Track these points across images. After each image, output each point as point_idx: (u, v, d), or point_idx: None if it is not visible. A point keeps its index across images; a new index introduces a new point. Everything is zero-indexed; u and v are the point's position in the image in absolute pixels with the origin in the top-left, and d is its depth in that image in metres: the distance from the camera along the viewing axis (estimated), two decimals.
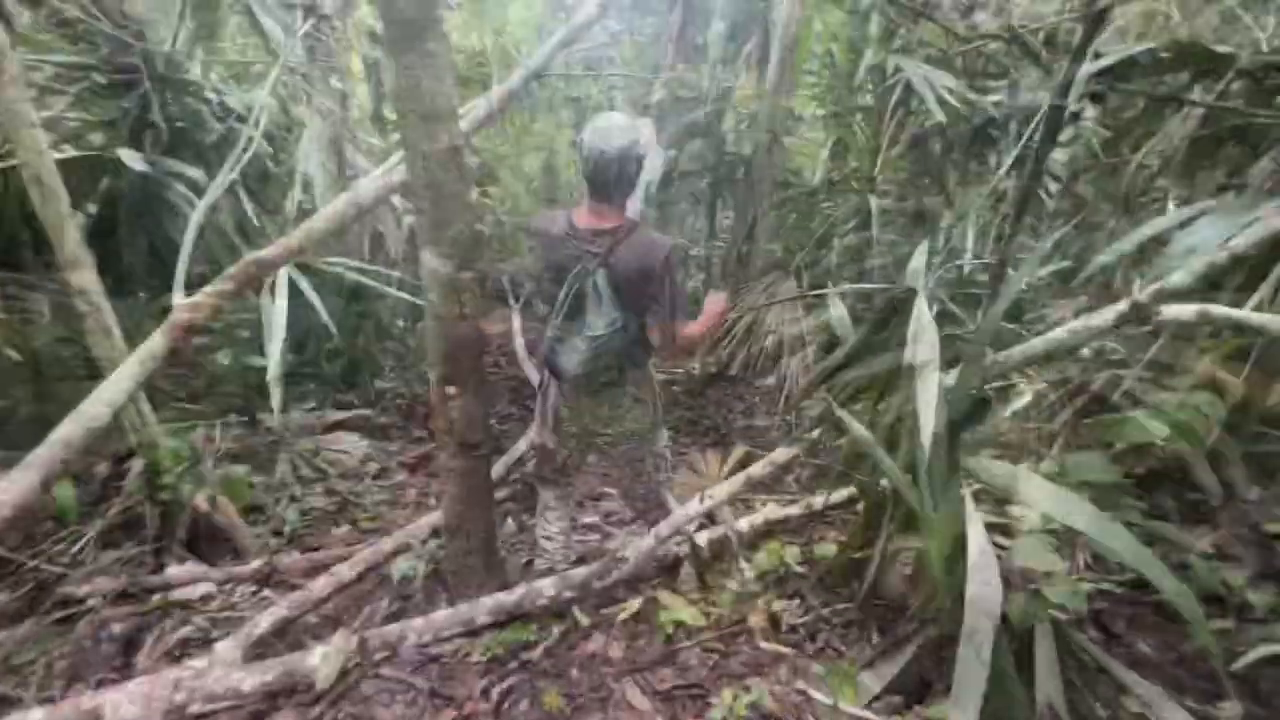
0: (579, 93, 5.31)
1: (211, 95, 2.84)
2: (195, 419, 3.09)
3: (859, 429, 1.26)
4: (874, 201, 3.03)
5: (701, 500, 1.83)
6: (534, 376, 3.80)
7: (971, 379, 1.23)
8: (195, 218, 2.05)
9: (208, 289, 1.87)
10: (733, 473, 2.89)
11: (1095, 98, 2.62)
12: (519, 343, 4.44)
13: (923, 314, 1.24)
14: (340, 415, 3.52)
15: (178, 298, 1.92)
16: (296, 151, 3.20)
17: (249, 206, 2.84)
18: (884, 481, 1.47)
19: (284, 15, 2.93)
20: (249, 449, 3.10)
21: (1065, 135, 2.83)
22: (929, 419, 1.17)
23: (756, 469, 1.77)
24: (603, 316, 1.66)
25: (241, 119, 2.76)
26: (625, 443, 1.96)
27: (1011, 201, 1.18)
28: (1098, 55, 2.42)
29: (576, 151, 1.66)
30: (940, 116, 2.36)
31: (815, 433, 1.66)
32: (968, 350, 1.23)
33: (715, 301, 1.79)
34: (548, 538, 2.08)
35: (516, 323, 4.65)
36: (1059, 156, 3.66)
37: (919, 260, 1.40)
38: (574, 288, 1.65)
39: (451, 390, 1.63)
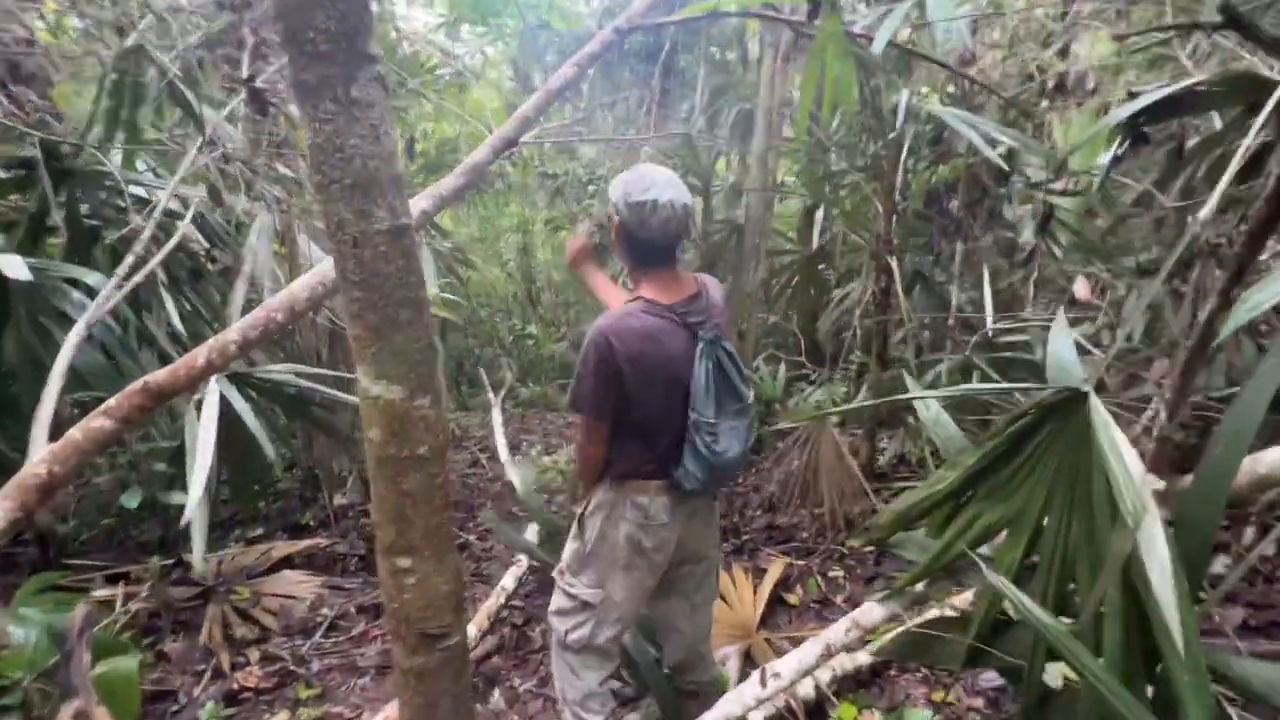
0: (556, 169, 5.10)
1: (136, 188, 2.45)
2: (101, 571, 2.52)
3: (1041, 616, 0.80)
4: (894, 263, 2.71)
5: (764, 682, 1.32)
6: (518, 480, 3.31)
7: (1208, 525, 0.79)
8: (73, 335, 1.60)
9: (75, 431, 1.39)
10: (770, 596, 2.38)
11: (1136, 140, 2.38)
12: (500, 439, 3.96)
13: (1112, 432, 0.82)
14: (289, 547, 2.94)
15: (37, 446, 1.43)
16: (245, 246, 2.82)
17: (174, 312, 2.40)
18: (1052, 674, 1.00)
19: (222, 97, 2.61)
20: (169, 604, 2.51)
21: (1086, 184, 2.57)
22: (1169, 599, 0.72)
23: (835, 633, 1.28)
24: (745, 380, 1.45)
25: (170, 213, 2.37)
26: (705, 565, 1.65)
27: (1229, 251, 0.80)
28: (1133, 95, 2.19)
29: (633, 214, 1.34)
30: (998, 162, 2.06)
31: (920, 585, 1.19)
32: (1202, 480, 0.80)
33: None
34: None
35: (498, 417, 4.19)
36: (1068, 206, 3.46)
37: (1063, 342, 0.99)
38: (709, 365, 1.37)
39: (404, 563, 1.15)
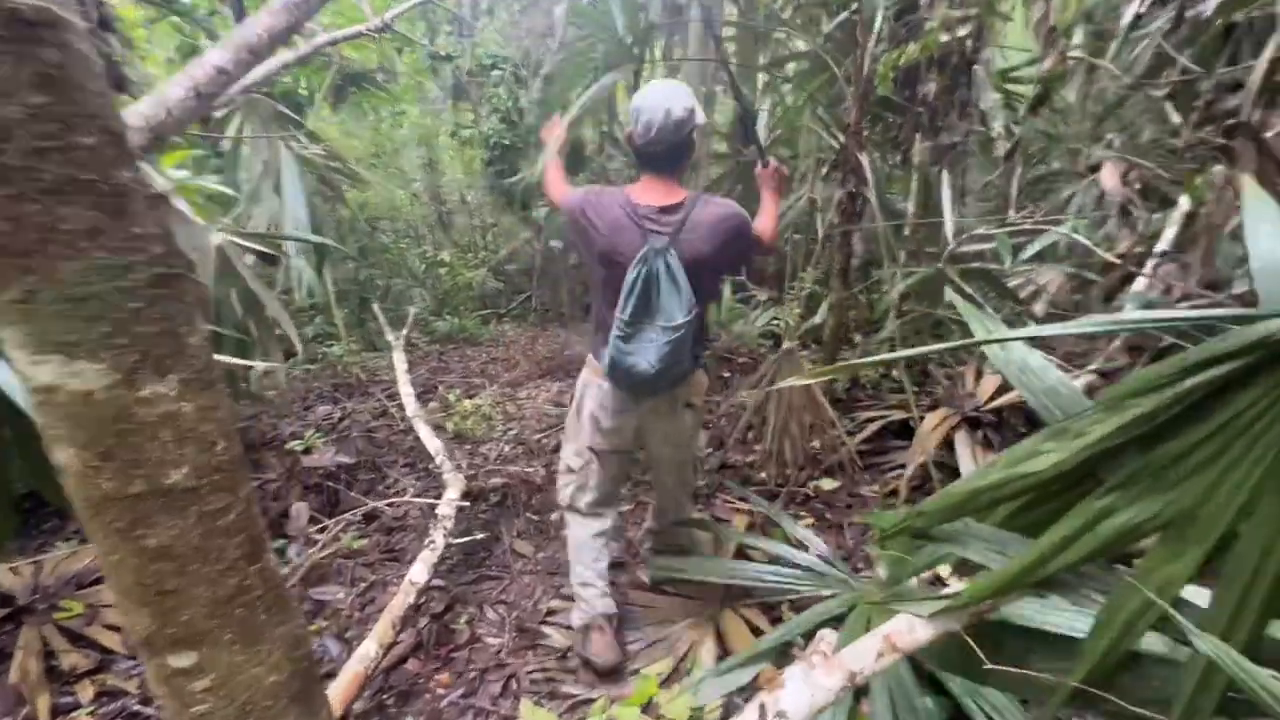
0: (452, 50, 4.22)
1: None
2: None
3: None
4: (865, 160, 2.29)
5: (763, 717, 0.98)
6: (432, 442, 2.81)
7: None
8: None
9: None
10: (738, 558, 2.07)
11: None
12: (405, 387, 3.39)
13: None
14: None
15: None
16: None
17: None
18: None
19: None
20: None
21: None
22: None
23: (863, 657, 0.93)
24: (680, 303, 1.47)
25: None
26: (672, 455, 1.80)
27: None
28: None
29: (631, 121, 1.49)
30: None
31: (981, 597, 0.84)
32: None
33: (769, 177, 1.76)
34: (585, 584, 1.79)
35: (400, 360, 3.60)
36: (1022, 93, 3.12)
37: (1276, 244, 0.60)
38: (644, 271, 1.45)
39: (183, 662, 0.67)
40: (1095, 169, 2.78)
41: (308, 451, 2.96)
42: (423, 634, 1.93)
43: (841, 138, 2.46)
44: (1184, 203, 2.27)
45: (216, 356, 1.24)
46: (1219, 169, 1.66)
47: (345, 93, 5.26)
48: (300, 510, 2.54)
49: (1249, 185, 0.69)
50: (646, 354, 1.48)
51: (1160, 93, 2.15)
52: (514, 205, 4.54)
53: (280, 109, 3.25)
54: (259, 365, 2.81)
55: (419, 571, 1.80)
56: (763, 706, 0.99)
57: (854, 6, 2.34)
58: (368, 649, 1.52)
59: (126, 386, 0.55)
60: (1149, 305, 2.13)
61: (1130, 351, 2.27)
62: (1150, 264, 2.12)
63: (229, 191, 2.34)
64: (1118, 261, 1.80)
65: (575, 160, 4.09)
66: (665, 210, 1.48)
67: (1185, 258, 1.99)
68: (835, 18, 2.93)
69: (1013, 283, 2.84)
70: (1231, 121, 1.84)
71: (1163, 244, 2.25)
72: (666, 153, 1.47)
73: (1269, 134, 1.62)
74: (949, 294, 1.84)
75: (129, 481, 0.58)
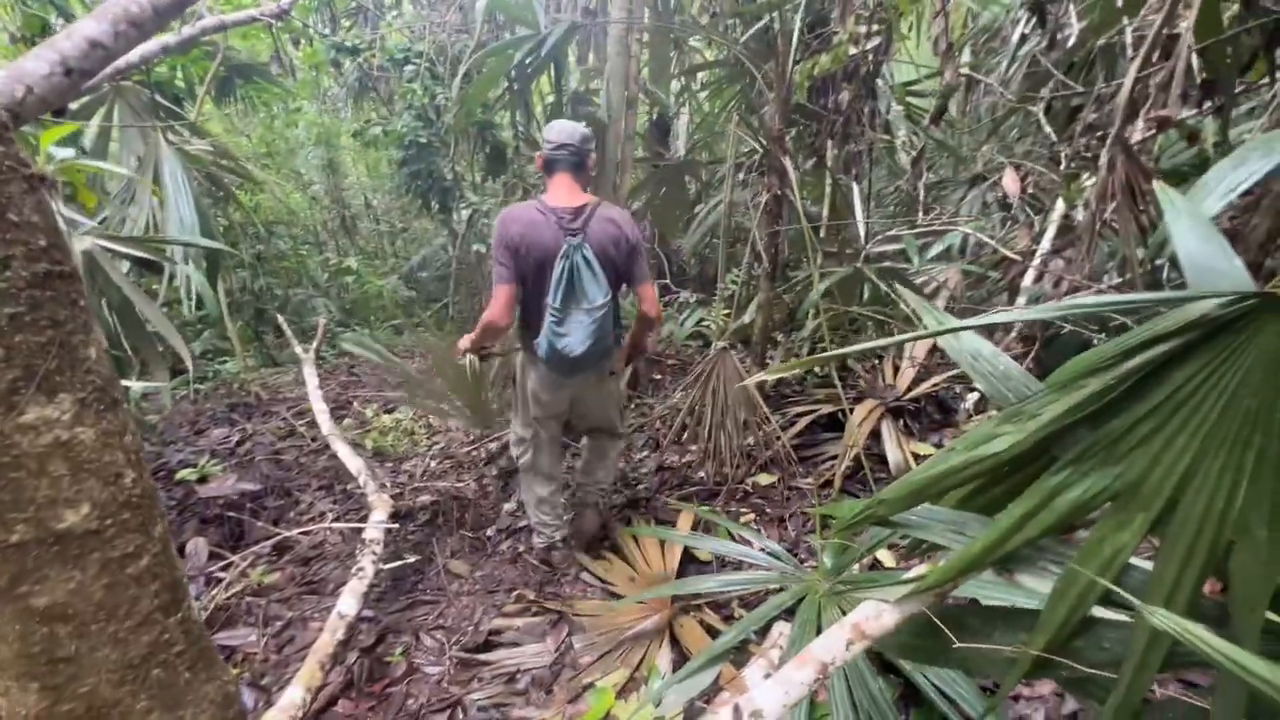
0: (356, 41, 3.96)
1: None
2: None
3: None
4: (789, 163, 2.37)
5: (738, 718, 0.96)
6: (352, 461, 2.60)
7: None
8: None
9: None
10: (684, 559, 2.07)
11: (1041, 18, 2.21)
12: (318, 404, 3.13)
13: None
14: None
15: None
16: None
17: None
18: None
19: None
20: None
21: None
22: None
23: (832, 648, 0.94)
24: (599, 288, 1.73)
25: None
26: (603, 413, 2.11)
27: None
28: None
29: (543, 139, 1.79)
30: None
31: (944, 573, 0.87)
32: None
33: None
34: (542, 522, 2.15)
35: (312, 376, 3.32)
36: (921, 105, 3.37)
37: (1207, 235, 0.65)
38: (567, 264, 1.69)
39: None
40: (980, 177, 3.06)
41: (203, 480, 2.67)
42: (353, 671, 1.77)
43: (764, 143, 2.53)
44: (1060, 205, 2.54)
45: None
46: (1089, 176, 1.85)
47: (231, 85, 4.80)
48: (198, 546, 2.27)
49: (1162, 191, 0.76)
50: (576, 333, 1.73)
51: (1037, 108, 2.38)
52: (430, 208, 4.32)
53: (156, 99, 2.91)
54: (135, 386, 2.51)
55: (348, 604, 1.64)
56: (737, 707, 0.97)
57: (770, 17, 2.42)
58: (294, 696, 1.36)
59: (3, 410, 0.45)
60: (1039, 297, 2.36)
61: (1023, 340, 2.50)
62: (1038, 260, 2.35)
63: (123, 172, 2.09)
64: (1018, 259, 1.97)
65: (496, 162, 3.97)
66: (575, 212, 1.76)
67: (1068, 254, 2.21)
68: (751, 27, 3.03)
69: (917, 280, 3.06)
70: (1101, 133, 2.07)
71: (1045, 243, 2.50)
72: (573, 157, 1.77)
73: (1132, 142, 1.83)
74: (903, 291, 1.93)
75: (8, 528, 0.47)
